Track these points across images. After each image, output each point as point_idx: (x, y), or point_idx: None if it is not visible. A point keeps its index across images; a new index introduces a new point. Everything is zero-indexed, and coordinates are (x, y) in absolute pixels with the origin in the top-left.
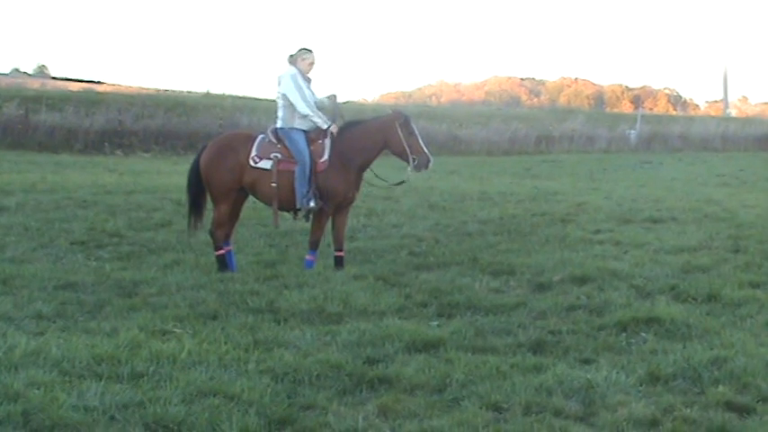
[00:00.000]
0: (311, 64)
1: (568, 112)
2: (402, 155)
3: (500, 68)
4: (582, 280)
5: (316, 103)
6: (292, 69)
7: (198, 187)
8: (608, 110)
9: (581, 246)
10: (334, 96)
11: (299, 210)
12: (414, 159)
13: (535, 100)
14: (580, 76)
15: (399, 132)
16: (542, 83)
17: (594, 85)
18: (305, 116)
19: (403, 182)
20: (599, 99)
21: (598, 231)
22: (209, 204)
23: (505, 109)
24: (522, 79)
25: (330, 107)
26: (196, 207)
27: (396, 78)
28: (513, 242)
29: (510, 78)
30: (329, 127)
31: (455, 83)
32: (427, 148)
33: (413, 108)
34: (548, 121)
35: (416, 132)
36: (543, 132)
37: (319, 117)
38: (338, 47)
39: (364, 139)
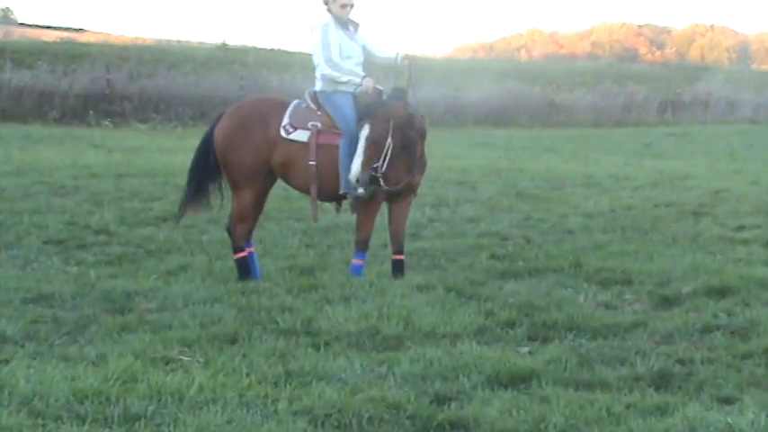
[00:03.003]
0: (344, 6)
1: (702, 69)
2: None
3: (610, 13)
4: (720, 292)
5: (377, 58)
6: (326, 17)
7: (208, 169)
8: (755, 66)
9: (719, 247)
10: (408, 58)
11: (345, 198)
12: None
13: (658, 54)
14: (717, 23)
15: None
16: (667, 31)
17: (737, 33)
18: (330, 80)
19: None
20: (743, 52)
21: (741, 228)
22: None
23: (618, 66)
24: (639, 26)
25: (401, 69)
26: (199, 193)
27: (473, 26)
28: (629, 242)
29: (624, 25)
30: (363, 80)
31: (551, 32)
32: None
33: (496, 64)
34: (674, 81)
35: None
36: (668, 96)
37: (350, 73)
38: None
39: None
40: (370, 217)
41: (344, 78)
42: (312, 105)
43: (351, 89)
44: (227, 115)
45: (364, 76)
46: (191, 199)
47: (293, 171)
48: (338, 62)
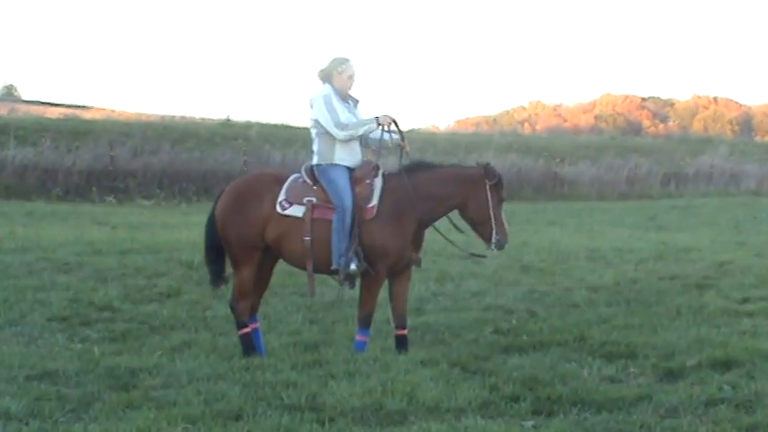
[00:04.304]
0: (351, 78)
1: (705, 141)
2: (484, 225)
3: (614, 85)
4: (725, 365)
5: (371, 139)
6: (326, 88)
7: (218, 246)
8: (758, 138)
9: (724, 319)
10: (399, 139)
11: (336, 272)
12: (497, 235)
13: (661, 126)
14: (720, 95)
15: (489, 196)
16: (670, 103)
17: (740, 105)
18: (346, 140)
19: (483, 256)
20: (746, 124)
21: (746, 300)
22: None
23: (621, 138)
24: (643, 99)
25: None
26: (217, 270)
27: (476, 99)
28: (634, 315)
29: (627, 98)
30: (381, 119)
31: (554, 104)
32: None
33: (499, 138)
34: (678, 153)
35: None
36: (672, 169)
37: (361, 124)
38: (400, 62)
39: (436, 186)
40: (373, 293)
41: (361, 130)
42: (308, 180)
43: (349, 162)
44: (225, 193)
45: (377, 117)
46: (214, 275)
47: (288, 246)
48: (347, 122)
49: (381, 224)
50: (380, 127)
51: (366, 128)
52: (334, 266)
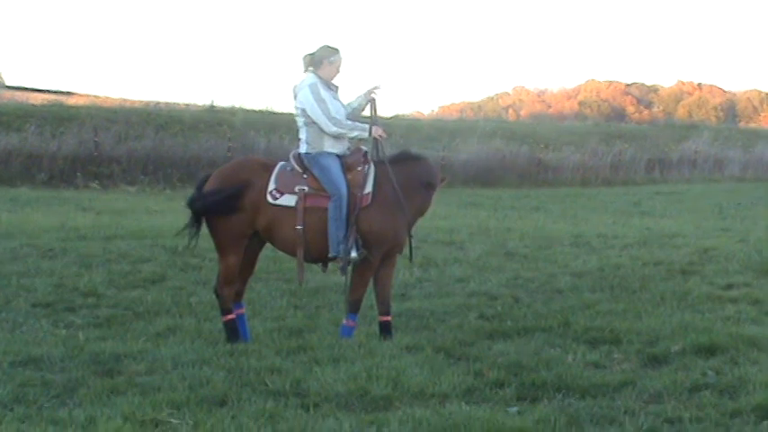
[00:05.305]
0: (339, 68)
1: (689, 127)
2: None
3: (598, 71)
4: (709, 350)
5: (348, 114)
6: (311, 77)
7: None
8: (742, 124)
9: (708, 305)
10: (376, 89)
11: (333, 260)
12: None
13: (645, 112)
14: (704, 81)
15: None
16: (654, 90)
17: (724, 91)
18: (336, 136)
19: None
20: (730, 110)
21: (730, 286)
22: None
23: (605, 125)
24: (627, 85)
25: (365, 104)
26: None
27: (460, 85)
28: (618, 301)
29: (611, 84)
30: (370, 134)
31: (538, 90)
32: None
33: (483, 124)
34: (662, 140)
35: None
36: (656, 155)
37: (356, 128)
38: (385, 48)
39: (431, 177)
40: (366, 278)
41: (354, 133)
42: (298, 168)
43: (338, 150)
44: (211, 178)
45: (370, 126)
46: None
47: (279, 235)
48: (339, 118)
49: (377, 211)
50: (373, 138)
51: (357, 134)
52: (332, 254)
